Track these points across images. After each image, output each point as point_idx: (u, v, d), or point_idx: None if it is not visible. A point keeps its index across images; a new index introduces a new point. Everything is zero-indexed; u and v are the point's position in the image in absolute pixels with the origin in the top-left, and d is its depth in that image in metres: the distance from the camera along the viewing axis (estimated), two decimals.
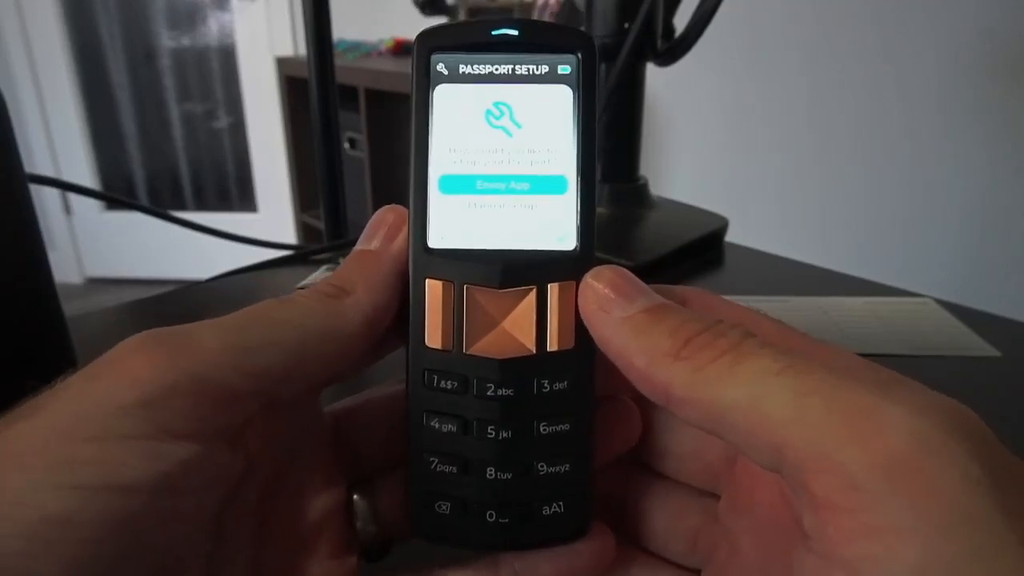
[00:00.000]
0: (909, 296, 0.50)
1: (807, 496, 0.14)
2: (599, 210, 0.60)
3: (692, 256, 0.57)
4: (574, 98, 0.20)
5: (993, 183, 1.22)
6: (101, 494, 0.15)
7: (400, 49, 1.94)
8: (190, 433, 0.16)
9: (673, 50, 0.54)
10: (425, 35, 0.20)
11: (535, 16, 1.52)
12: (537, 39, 0.20)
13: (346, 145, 1.87)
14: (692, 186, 1.58)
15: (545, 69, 0.20)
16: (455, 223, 0.20)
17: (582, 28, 0.58)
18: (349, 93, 1.75)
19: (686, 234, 0.58)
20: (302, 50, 0.76)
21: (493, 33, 0.20)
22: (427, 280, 0.19)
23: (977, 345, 0.43)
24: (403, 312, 0.20)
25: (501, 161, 0.20)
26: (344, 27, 1.33)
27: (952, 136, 1.24)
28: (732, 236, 0.62)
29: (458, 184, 0.20)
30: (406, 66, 1.78)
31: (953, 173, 1.26)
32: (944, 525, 0.13)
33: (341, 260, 0.55)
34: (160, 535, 0.16)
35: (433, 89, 0.20)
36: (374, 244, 0.20)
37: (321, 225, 0.62)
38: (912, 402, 0.14)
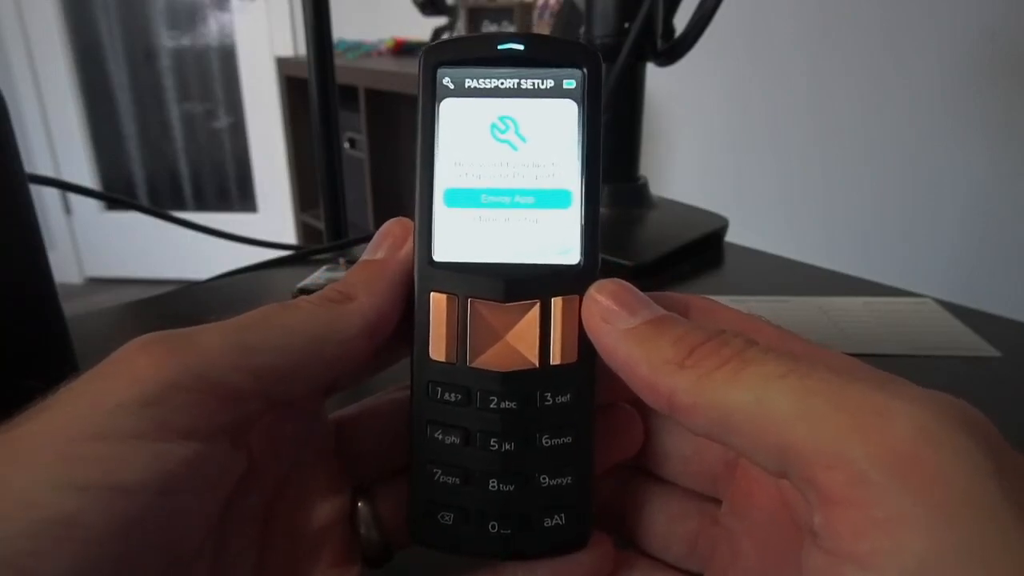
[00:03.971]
0: (909, 296, 0.50)
1: (815, 493, 0.15)
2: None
3: (692, 256, 0.57)
4: (579, 113, 0.20)
5: (994, 183, 1.22)
6: (104, 494, 0.15)
7: (400, 49, 1.94)
8: (191, 431, 0.16)
9: (673, 50, 0.54)
10: (431, 49, 0.20)
11: (535, 16, 1.53)
12: (542, 54, 0.20)
13: (346, 145, 1.87)
14: (692, 186, 1.58)
15: (550, 83, 0.20)
16: (460, 236, 0.20)
17: (582, 28, 0.58)
18: (349, 93, 1.75)
19: (686, 234, 0.58)
20: (302, 50, 0.76)
21: (499, 47, 0.20)
22: (432, 293, 0.19)
23: (977, 345, 0.43)
24: (408, 322, 0.20)
25: (506, 175, 0.20)
26: (344, 27, 1.33)
27: (953, 136, 1.24)
28: (732, 236, 0.62)
29: (463, 198, 0.20)
30: (406, 66, 1.78)
31: (954, 173, 1.26)
32: (951, 516, 0.13)
33: (341, 260, 0.56)
34: (165, 535, 0.16)
35: (439, 103, 0.20)
36: (379, 254, 0.21)
37: (321, 225, 0.62)
38: (915, 397, 0.14)
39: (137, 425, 0.15)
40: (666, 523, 0.22)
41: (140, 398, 0.16)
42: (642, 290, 0.19)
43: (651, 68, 0.58)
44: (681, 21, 0.54)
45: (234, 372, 0.17)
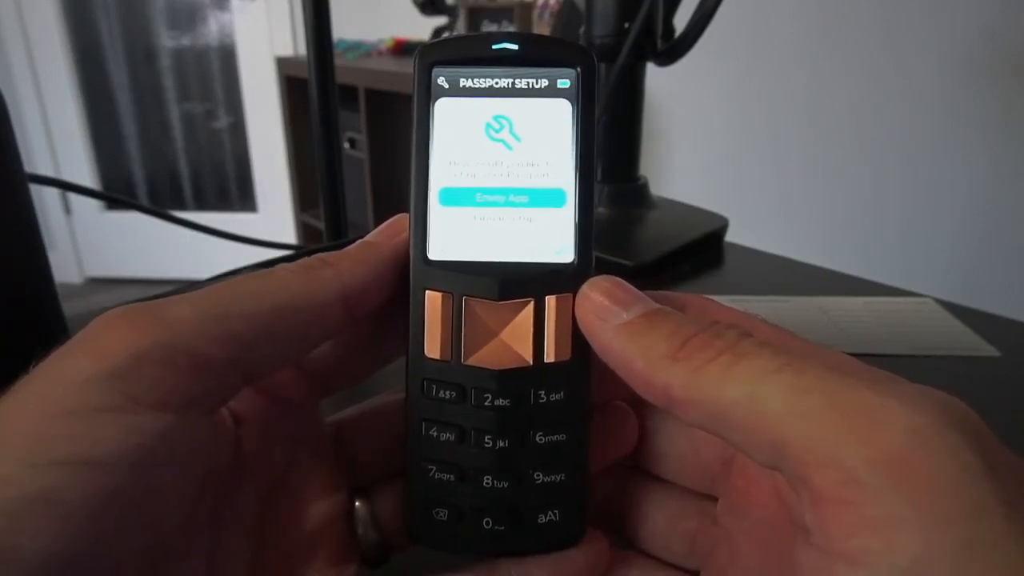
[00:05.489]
0: (909, 296, 0.50)
1: (807, 491, 0.15)
2: (599, 210, 0.60)
3: (692, 256, 0.57)
4: (573, 112, 0.20)
5: (994, 183, 1.22)
6: (79, 470, 0.14)
7: (400, 49, 1.93)
8: (162, 402, 0.16)
9: (673, 50, 0.54)
10: (426, 49, 0.20)
11: (535, 16, 1.53)
12: (537, 53, 0.20)
13: (346, 145, 1.87)
14: (692, 186, 1.58)
15: (545, 83, 0.20)
16: (455, 235, 0.20)
17: (582, 28, 0.58)
18: (349, 93, 1.75)
19: (686, 234, 0.58)
20: (302, 50, 0.76)
21: (493, 47, 0.20)
22: (427, 291, 0.20)
23: (977, 345, 0.43)
24: (404, 319, 0.20)
25: (500, 174, 0.20)
26: (344, 27, 1.33)
27: (953, 136, 1.24)
28: (732, 236, 0.62)
29: (458, 197, 0.20)
30: (406, 66, 1.78)
31: (954, 173, 1.26)
32: (943, 517, 0.13)
33: None
34: (144, 512, 0.16)
35: (434, 102, 0.20)
36: (374, 239, 0.21)
37: (321, 225, 0.62)
38: (908, 397, 0.14)
39: (107, 399, 0.15)
40: (665, 522, 0.22)
41: (109, 372, 0.15)
42: (640, 290, 0.19)
43: (651, 68, 0.58)
44: (681, 21, 0.54)
45: (203, 341, 0.17)
